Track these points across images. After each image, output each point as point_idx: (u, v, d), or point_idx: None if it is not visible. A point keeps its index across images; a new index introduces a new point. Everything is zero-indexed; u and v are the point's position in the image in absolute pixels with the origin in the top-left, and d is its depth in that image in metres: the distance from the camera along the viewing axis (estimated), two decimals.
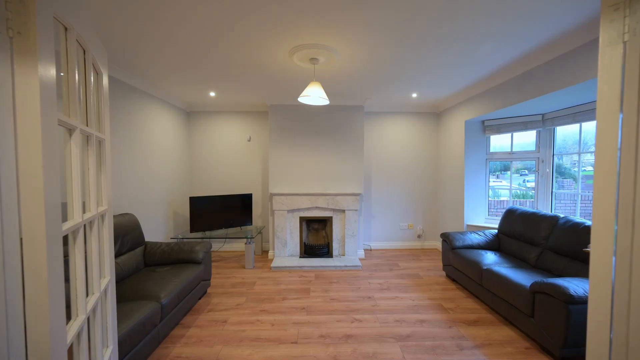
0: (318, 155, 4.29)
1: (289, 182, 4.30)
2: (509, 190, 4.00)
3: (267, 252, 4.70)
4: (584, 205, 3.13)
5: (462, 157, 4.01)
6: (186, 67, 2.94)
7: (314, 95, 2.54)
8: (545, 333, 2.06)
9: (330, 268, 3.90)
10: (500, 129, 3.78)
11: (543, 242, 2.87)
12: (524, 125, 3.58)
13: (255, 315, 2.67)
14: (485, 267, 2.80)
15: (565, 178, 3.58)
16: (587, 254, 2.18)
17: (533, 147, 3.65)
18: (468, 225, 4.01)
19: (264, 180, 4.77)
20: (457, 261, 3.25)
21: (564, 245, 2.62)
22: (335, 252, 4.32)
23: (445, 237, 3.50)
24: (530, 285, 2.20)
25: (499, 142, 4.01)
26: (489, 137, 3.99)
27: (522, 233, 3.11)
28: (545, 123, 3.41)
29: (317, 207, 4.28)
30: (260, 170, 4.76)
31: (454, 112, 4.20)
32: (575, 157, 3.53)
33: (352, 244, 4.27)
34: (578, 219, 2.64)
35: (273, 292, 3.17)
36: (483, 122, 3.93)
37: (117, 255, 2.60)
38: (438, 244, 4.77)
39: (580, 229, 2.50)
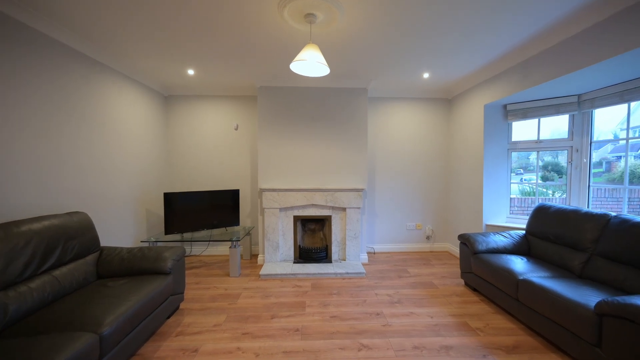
0: (315, 145, 3.74)
1: (282, 176, 3.73)
2: (522, 185, 3.50)
3: (256, 256, 4.13)
4: (633, 203, 2.63)
5: (481, 146, 3.49)
6: (156, 33, 2.36)
7: (311, 60, 1.98)
8: None
9: (329, 275, 3.35)
10: (526, 113, 3.26)
11: (590, 246, 2.36)
12: (555, 109, 3.06)
13: (236, 341, 2.10)
14: (521, 278, 2.27)
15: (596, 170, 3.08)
16: None
17: (565, 135, 3.15)
18: (487, 226, 3.49)
19: (253, 174, 4.20)
20: (480, 268, 2.73)
21: (622, 251, 2.10)
22: (334, 256, 3.78)
23: (465, 240, 2.98)
24: (596, 306, 1.67)
25: (521, 131, 3.49)
26: (511, 125, 3.48)
27: (560, 235, 2.59)
28: (582, 105, 2.91)
29: (313, 205, 3.73)
30: (249, 163, 4.19)
31: (471, 96, 3.68)
32: (610, 146, 3.04)
33: (354, 247, 3.73)
34: (639, 217, 2.12)
35: (260, 308, 2.61)
36: (505, 106, 3.41)
37: (56, 266, 2.01)
38: (450, 246, 4.25)
39: None
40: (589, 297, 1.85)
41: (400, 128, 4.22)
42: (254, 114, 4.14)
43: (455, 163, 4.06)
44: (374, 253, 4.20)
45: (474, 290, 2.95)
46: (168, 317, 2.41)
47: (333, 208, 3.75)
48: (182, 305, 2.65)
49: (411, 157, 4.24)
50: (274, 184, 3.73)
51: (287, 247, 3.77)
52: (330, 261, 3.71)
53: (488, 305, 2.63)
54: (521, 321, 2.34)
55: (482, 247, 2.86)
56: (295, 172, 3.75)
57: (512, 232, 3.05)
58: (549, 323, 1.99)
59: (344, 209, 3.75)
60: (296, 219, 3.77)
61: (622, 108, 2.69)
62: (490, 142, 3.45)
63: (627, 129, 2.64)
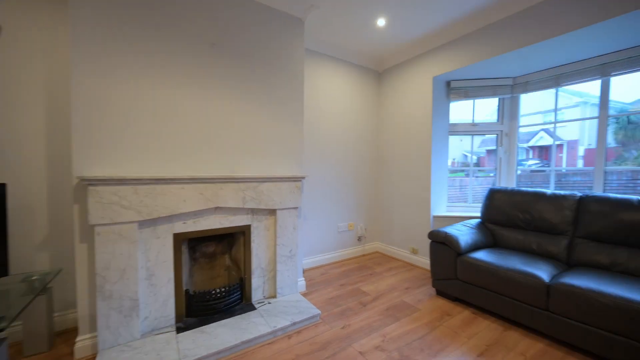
0: (221, 98, 2.00)
1: (144, 154, 1.75)
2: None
3: (70, 333, 1.84)
4: (559, 182, 2.81)
5: (429, 127, 2.99)
6: None
7: None
8: None
9: (260, 341, 1.78)
10: (467, 93, 3.03)
11: (569, 228, 2.20)
12: (492, 91, 2.97)
13: None
14: (552, 282, 1.76)
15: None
16: None
17: (494, 119, 3.14)
18: (435, 217, 3.05)
19: (57, 146, 1.85)
20: (474, 274, 2.11)
21: (608, 231, 1.99)
22: (256, 294, 2.19)
23: (444, 239, 2.30)
24: None
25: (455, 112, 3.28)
26: (449, 105, 3.20)
27: (530, 220, 2.38)
28: (515, 88, 2.92)
29: (218, 209, 1.99)
30: (43, 121, 1.82)
31: (416, 67, 3.12)
32: (533, 129, 3.20)
33: (289, 271, 2.30)
34: (611, 195, 2.09)
35: None
36: (448, 83, 3.07)
37: None
38: (380, 245, 3.62)
39: (635, 205, 1.91)
40: None
41: (332, 99, 3.14)
42: (60, 16, 1.82)
43: (393, 147, 3.45)
44: (303, 270, 2.91)
45: (462, 302, 2.32)
46: None
47: (254, 212, 2.15)
48: None
49: (343, 138, 3.26)
50: (124, 169, 1.68)
51: (157, 300, 1.81)
52: (252, 306, 2.10)
53: (493, 322, 2.02)
54: (551, 337, 1.84)
55: (466, 245, 2.27)
56: (179, 147, 1.86)
57: (468, 222, 2.68)
58: (612, 338, 1.52)
59: (273, 212, 2.24)
60: (180, 239, 1.88)
61: (547, 94, 2.85)
62: (437, 122, 3.02)
63: (555, 112, 2.78)
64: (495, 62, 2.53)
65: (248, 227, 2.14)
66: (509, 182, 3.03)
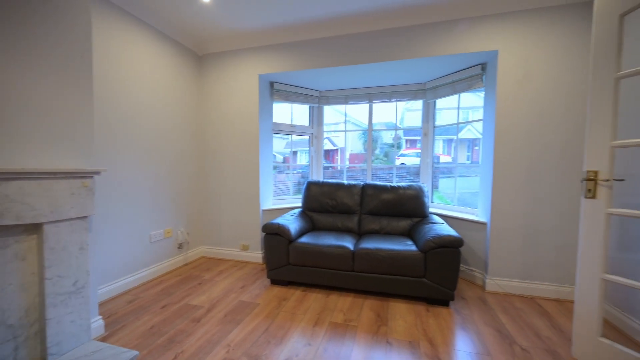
0: None
1: None
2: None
3: None
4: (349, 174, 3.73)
5: (257, 122, 3.02)
6: None
7: None
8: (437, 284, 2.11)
9: None
10: (288, 96, 3.35)
11: (358, 209, 2.99)
12: (306, 98, 3.48)
13: None
14: (354, 249, 2.31)
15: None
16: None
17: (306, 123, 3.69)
18: (264, 211, 3.13)
19: None
20: (304, 256, 2.38)
21: (377, 207, 2.90)
22: None
23: (277, 230, 2.43)
24: (424, 244, 2.13)
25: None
26: (272, 105, 3.39)
27: (336, 205, 3.01)
28: (320, 100, 3.58)
29: None
30: None
31: (241, 60, 3.02)
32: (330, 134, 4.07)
33: (72, 314, 1.52)
34: (379, 182, 3.05)
35: None
36: (272, 84, 3.24)
37: None
38: (206, 249, 3.23)
39: (388, 188, 2.91)
40: (406, 244, 2.34)
41: (139, 73, 2.41)
42: None
43: (221, 141, 3.15)
44: (99, 305, 2.02)
45: (288, 284, 2.51)
46: None
47: None
48: None
49: (156, 125, 2.60)
50: None
51: None
52: None
53: (319, 293, 2.36)
54: (356, 290, 2.39)
55: (295, 233, 2.51)
56: None
57: (293, 212, 3.00)
58: (387, 279, 2.23)
59: (35, 228, 1.38)
60: None
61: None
62: (263, 120, 3.11)
63: (345, 121, 3.68)
64: (310, 74, 2.98)
65: None
66: (318, 176, 3.69)
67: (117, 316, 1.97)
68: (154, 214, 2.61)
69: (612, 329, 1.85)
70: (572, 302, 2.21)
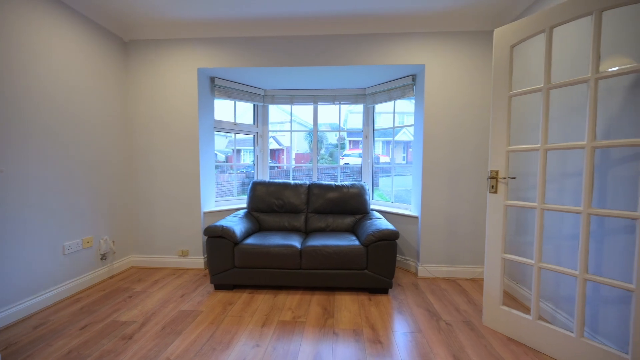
0: None
1: None
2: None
3: None
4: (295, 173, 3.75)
5: (196, 119, 2.82)
6: None
7: None
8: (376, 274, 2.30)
9: None
10: (230, 93, 3.21)
11: (304, 207, 3.04)
12: (250, 96, 3.39)
13: None
14: (302, 247, 2.35)
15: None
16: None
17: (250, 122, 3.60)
18: (205, 213, 2.94)
19: None
20: (247, 258, 2.32)
21: (322, 206, 3.00)
22: None
23: (222, 233, 2.32)
24: (366, 239, 2.29)
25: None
26: (214, 101, 3.21)
27: (282, 205, 3.01)
28: (265, 99, 3.53)
29: None
30: None
31: (177, 51, 2.78)
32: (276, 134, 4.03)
33: None
34: (324, 182, 3.15)
35: None
36: (212, 79, 3.06)
37: None
38: (136, 258, 2.88)
39: (333, 187, 3.03)
40: (350, 239, 2.47)
41: (47, 57, 2.02)
42: None
43: (155, 139, 2.83)
44: None
45: (234, 287, 2.42)
46: None
47: None
48: None
49: (73, 118, 2.22)
50: None
51: None
52: None
53: (267, 294, 2.33)
54: (304, 287, 2.42)
55: (241, 234, 2.44)
56: None
57: (237, 213, 2.91)
58: (332, 274, 2.33)
59: None
60: None
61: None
62: (203, 117, 2.92)
63: (290, 121, 3.70)
64: (255, 72, 2.91)
65: None
66: (264, 176, 3.63)
67: (19, 346, 1.63)
68: (68, 221, 2.23)
69: (510, 299, 2.27)
70: (483, 279, 2.64)
